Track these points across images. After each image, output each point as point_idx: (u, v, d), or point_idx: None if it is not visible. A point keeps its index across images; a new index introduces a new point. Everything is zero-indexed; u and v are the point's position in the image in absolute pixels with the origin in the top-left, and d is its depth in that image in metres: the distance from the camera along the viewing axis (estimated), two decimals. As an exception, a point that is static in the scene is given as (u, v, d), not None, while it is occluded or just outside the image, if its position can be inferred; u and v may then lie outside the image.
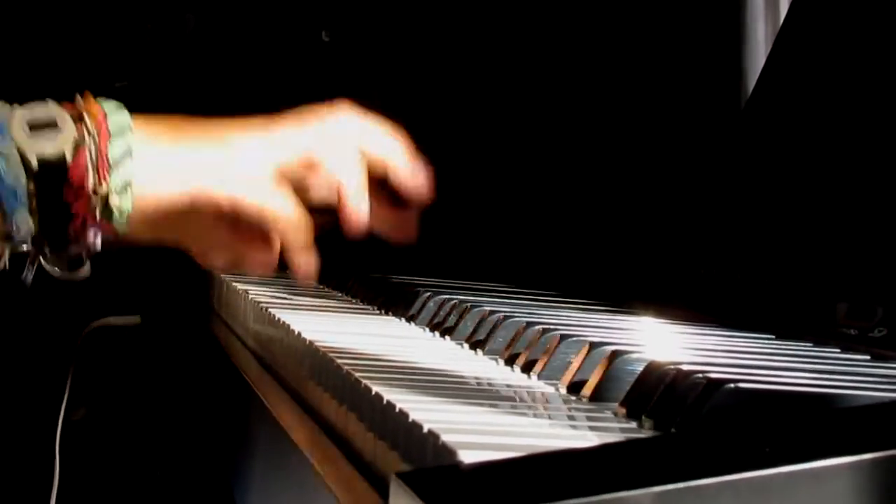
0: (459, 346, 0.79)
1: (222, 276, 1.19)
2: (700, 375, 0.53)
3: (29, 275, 0.81)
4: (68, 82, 1.55)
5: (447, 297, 0.91)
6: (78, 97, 0.80)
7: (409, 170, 0.85)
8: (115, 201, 0.77)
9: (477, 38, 1.58)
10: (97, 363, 1.37)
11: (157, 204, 0.80)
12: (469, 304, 0.84)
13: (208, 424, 1.15)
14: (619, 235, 1.21)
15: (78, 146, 0.76)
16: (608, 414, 0.56)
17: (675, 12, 1.40)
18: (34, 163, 0.75)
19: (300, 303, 0.99)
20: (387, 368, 0.63)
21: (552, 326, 0.71)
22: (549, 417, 0.54)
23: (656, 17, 1.42)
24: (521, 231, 1.42)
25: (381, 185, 0.84)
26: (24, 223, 0.75)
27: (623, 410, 0.56)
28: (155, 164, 0.79)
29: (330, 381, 0.66)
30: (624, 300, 1.01)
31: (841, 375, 0.61)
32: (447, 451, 0.43)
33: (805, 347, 0.76)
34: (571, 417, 0.54)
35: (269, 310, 0.89)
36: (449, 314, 0.86)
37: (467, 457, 0.42)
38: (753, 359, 0.67)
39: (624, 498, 0.38)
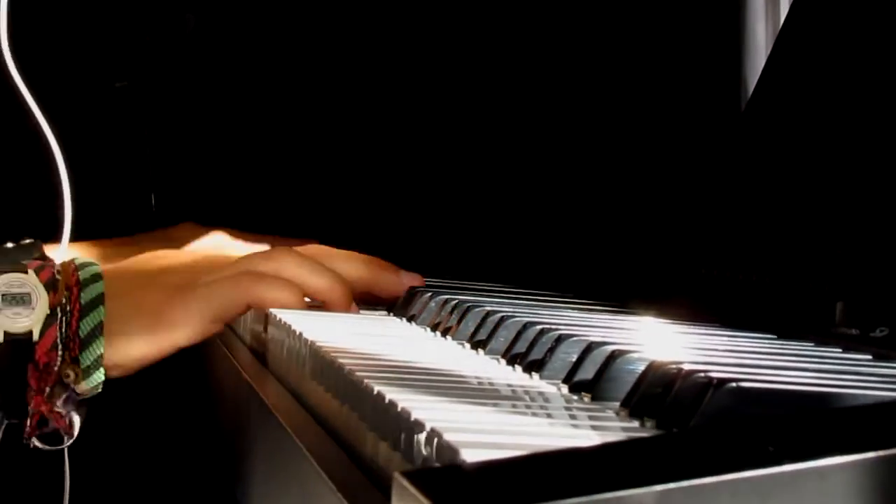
0: (460, 346, 0.79)
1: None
2: (702, 375, 0.53)
3: None
4: (68, 82, 1.55)
5: (448, 296, 0.91)
6: (57, 266, 0.80)
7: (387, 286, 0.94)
8: (83, 382, 0.78)
9: (477, 37, 1.58)
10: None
11: (136, 365, 0.83)
12: (470, 304, 0.85)
13: (208, 424, 1.15)
14: (619, 235, 1.21)
15: (49, 324, 0.77)
16: (609, 413, 0.56)
17: (674, 13, 1.40)
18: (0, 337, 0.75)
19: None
20: (388, 368, 0.63)
21: (553, 326, 0.71)
22: (551, 417, 0.54)
23: (656, 18, 1.42)
24: (522, 231, 1.42)
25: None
26: None
27: (624, 410, 0.56)
28: (125, 333, 0.81)
29: (331, 380, 0.66)
30: (625, 300, 1.01)
31: (843, 375, 0.61)
32: (449, 451, 0.43)
33: (807, 347, 0.76)
34: (573, 417, 0.54)
35: (270, 310, 0.89)
36: (450, 314, 0.86)
37: (469, 456, 0.42)
38: (755, 358, 0.67)
39: (626, 497, 0.38)
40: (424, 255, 1.00)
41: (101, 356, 0.79)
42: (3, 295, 0.76)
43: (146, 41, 1.59)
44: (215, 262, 0.91)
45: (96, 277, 0.80)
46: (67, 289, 0.78)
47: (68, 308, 0.77)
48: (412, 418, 0.49)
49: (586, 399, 0.60)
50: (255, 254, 0.92)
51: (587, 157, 1.42)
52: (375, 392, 0.55)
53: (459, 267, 1.09)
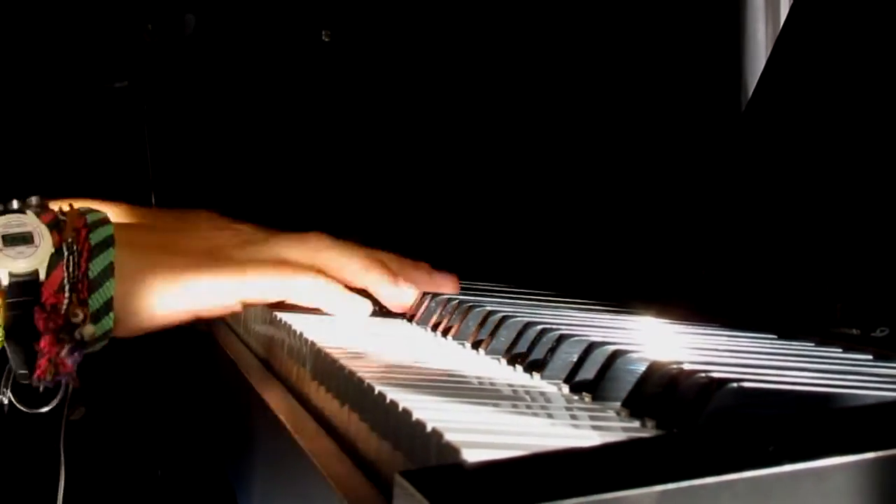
0: (461, 346, 0.79)
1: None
2: (702, 375, 0.53)
3: (3, 397, 0.77)
4: (68, 82, 1.55)
5: (449, 296, 0.91)
6: (61, 207, 0.76)
7: (391, 297, 0.90)
8: (91, 326, 0.73)
9: (477, 37, 1.58)
10: (97, 363, 1.37)
11: (146, 325, 0.79)
12: (471, 304, 0.85)
13: (209, 424, 1.15)
14: (620, 236, 1.21)
15: (55, 264, 0.73)
16: (610, 413, 0.56)
17: (675, 13, 1.40)
18: (4, 279, 0.71)
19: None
20: (389, 368, 0.63)
21: (554, 326, 0.71)
22: (552, 417, 0.54)
23: (656, 18, 1.42)
24: (523, 231, 1.42)
25: None
26: None
27: (625, 410, 0.56)
28: (139, 281, 0.77)
29: (332, 381, 0.66)
30: (625, 300, 1.01)
31: (843, 375, 0.61)
32: (451, 450, 0.43)
33: (807, 347, 0.76)
34: (574, 417, 0.54)
35: (271, 310, 0.89)
36: (451, 314, 0.86)
37: (471, 456, 0.42)
38: (756, 358, 0.67)
39: (627, 497, 0.38)
40: (425, 255, 1.00)
41: (111, 300, 0.74)
42: (2, 236, 0.73)
43: (146, 41, 1.59)
44: (249, 243, 0.86)
45: (104, 221, 0.76)
46: (74, 230, 0.74)
47: (76, 248, 0.73)
48: (413, 418, 0.49)
49: (587, 399, 0.60)
50: (290, 238, 0.87)
51: (588, 158, 1.42)
52: (376, 392, 0.55)
53: (460, 267, 1.09)
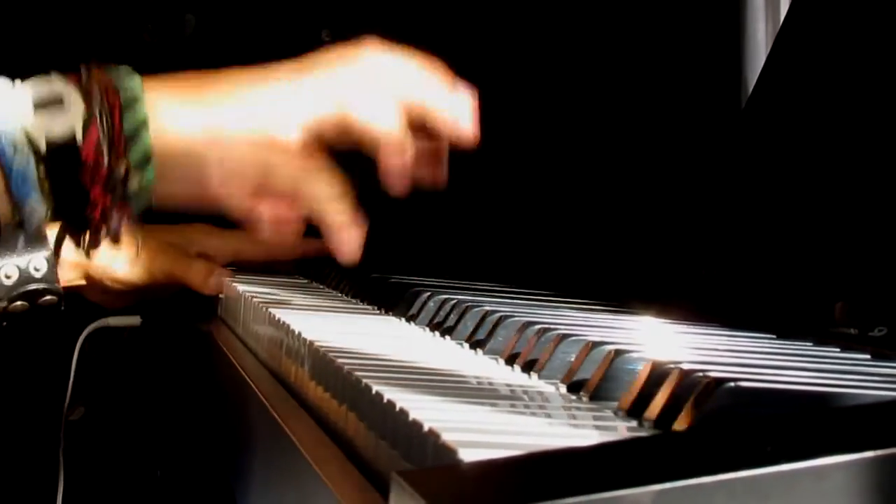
0: (459, 346, 0.79)
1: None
2: (701, 374, 0.53)
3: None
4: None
5: (447, 296, 0.91)
6: (83, 68, 0.75)
7: (450, 109, 0.79)
8: (134, 178, 0.72)
9: (476, 37, 1.58)
10: (97, 363, 1.37)
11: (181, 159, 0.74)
12: (469, 304, 0.84)
13: (208, 424, 1.15)
14: (619, 235, 1.21)
15: (88, 123, 0.71)
16: (609, 413, 0.56)
17: (675, 12, 1.40)
18: (42, 145, 0.70)
19: (300, 303, 0.99)
20: (387, 368, 0.63)
21: (552, 326, 0.71)
22: (550, 416, 0.54)
23: (656, 17, 1.42)
24: (521, 231, 1.42)
25: (418, 126, 0.78)
26: (38, 210, 0.70)
27: (624, 410, 0.56)
28: (175, 129, 0.74)
29: (330, 380, 0.66)
30: (624, 300, 1.01)
31: (841, 374, 0.61)
32: (447, 450, 0.43)
33: (805, 347, 0.76)
34: (572, 416, 0.54)
35: (269, 310, 0.89)
36: (449, 314, 0.86)
37: (467, 455, 0.42)
38: (754, 358, 0.67)
39: (625, 496, 0.38)
40: (423, 254, 1.00)
41: (149, 151, 0.72)
42: (34, 103, 0.72)
43: (146, 41, 1.59)
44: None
45: (131, 73, 0.75)
46: (102, 89, 0.72)
47: (106, 105, 0.73)
48: (410, 418, 0.49)
49: (585, 399, 0.60)
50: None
51: (587, 157, 1.42)
52: (374, 392, 0.55)
53: (459, 267, 1.09)
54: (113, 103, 0.73)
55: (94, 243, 0.73)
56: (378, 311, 0.98)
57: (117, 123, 0.72)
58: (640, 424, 0.53)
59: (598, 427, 0.51)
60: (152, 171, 0.72)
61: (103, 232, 0.72)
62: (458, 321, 0.83)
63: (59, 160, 0.71)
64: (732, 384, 0.51)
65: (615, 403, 0.58)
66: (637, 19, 1.44)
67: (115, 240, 0.73)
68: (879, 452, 0.40)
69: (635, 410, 0.55)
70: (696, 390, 0.52)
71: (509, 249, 1.40)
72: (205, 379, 1.17)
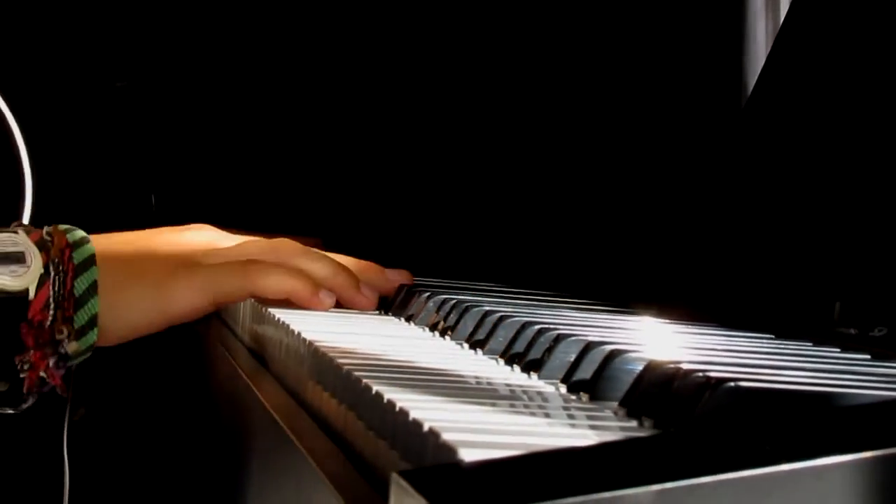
0: (459, 346, 0.79)
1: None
2: (700, 374, 0.53)
3: None
4: (68, 82, 1.55)
5: (447, 296, 0.91)
6: (45, 228, 0.80)
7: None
8: (74, 342, 0.77)
9: (475, 36, 1.58)
10: (97, 363, 1.37)
11: (127, 333, 0.82)
12: (468, 304, 0.84)
13: (207, 424, 1.15)
14: (618, 235, 1.21)
15: (42, 282, 0.77)
16: (608, 413, 0.56)
17: (675, 12, 1.40)
18: None
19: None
20: (386, 368, 0.63)
21: (551, 326, 0.71)
22: (549, 416, 0.54)
23: (656, 17, 1.42)
24: (521, 231, 1.42)
25: None
26: None
27: (623, 410, 0.56)
28: (118, 292, 0.81)
29: (330, 380, 0.66)
30: (623, 300, 1.01)
31: (841, 374, 0.61)
32: (447, 450, 0.43)
33: (805, 347, 0.76)
34: (571, 416, 0.54)
35: (269, 310, 0.89)
36: (448, 314, 0.86)
37: (467, 455, 0.42)
38: (753, 358, 0.67)
39: (624, 496, 0.38)
40: (423, 254, 1.00)
41: (95, 316, 0.78)
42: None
43: (146, 41, 1.59)
44: (217, 250, 0.91)
45: (85, 240, 0.81)
46: (60, 250, 0.78)
47: (61, 268, 0.77)
48: (410, 418, 0.49)
49: (584, 399, 0.60)
50: (259, 242, 0.91)
51: (586, 156, 1.42)
52: (374, 392, 0.55)
53: (458, 267, 1.09)
54: (67, 266, 0.78)
55: (22, 399, 0.78)
56: (378, 311, 0.98)
57: (69, 286, 0.77)
58: (640, 424, 0.53)
59: (597, 427, 0.51)
60: (94, 335, 0.78)
61: (33, 385, 0.77)
62: (457, 321, 0.83)
63: (6, 312, 0.75)
64: (732, 384, 0.51)
65: (615, 403, 0.58)
66: (637, 19, 1.44)
67: (42, 390, 0.78)
68: (879, 452, 0.40)
69: (635, 410, 0.55)
70: (696, 390, 0.52)
71: (509, 249, 1.40)
72: (204, 379, 1.17)
